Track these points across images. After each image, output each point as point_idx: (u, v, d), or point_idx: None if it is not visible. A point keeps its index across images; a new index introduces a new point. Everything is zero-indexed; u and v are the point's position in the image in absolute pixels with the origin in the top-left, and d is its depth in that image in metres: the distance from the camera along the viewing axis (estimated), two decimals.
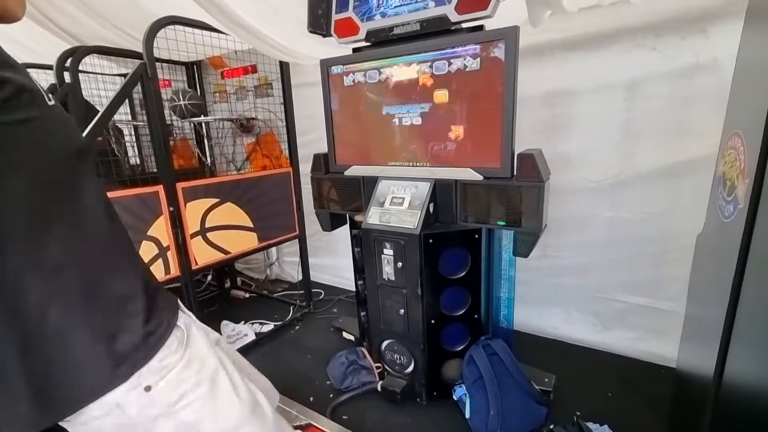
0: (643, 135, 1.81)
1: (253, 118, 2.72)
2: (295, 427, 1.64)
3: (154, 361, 0.67)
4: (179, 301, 0.81)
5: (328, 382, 1.94)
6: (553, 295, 2.19)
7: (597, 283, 2.05)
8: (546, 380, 1.78)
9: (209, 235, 2.08)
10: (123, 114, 2.87)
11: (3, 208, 0.54)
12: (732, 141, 0.98)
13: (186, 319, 0.78)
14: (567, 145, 1.97)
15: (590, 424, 1.55)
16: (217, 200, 2.10)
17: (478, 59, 1.44)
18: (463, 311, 1.70)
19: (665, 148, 1.77)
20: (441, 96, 1.54)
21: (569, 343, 2.15)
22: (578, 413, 1.64)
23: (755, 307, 0.81)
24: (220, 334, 1.86)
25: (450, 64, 1.50)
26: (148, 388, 0.66)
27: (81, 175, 0.64)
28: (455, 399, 1.71)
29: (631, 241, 1.92)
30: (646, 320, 1.95)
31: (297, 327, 2.54)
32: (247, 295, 3.06)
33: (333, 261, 3.00)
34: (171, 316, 0.74)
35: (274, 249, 3.20)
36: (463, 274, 1.66)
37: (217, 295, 3.10)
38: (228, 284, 3.19)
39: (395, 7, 1.54)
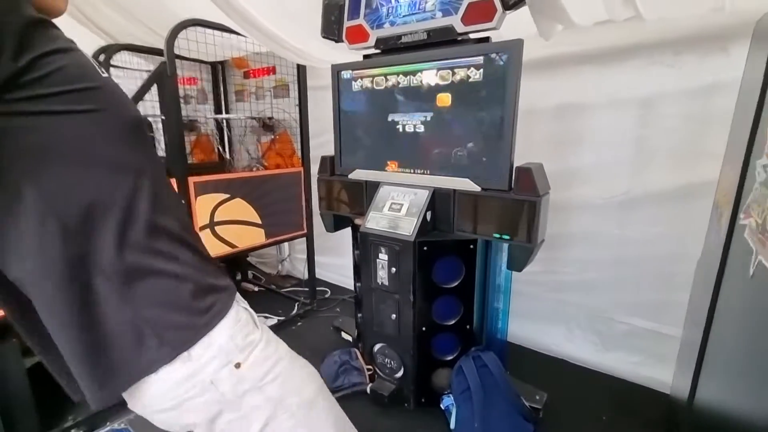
0: (657, 153, 1.75)
1: (271, 118, 2.80)
2: None
3: (239, 338, 0.69)
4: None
5: None
6: (554, 311, 2.14)
7: (601, 301, 2.00)
8: (537, 397, 1.74)
9: (217, 228, 2.17)
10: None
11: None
12: (725, 168, 0.95)
13: (244, 303, 0.79)
14: (577, 159, 1.93)
15: None
16: (227, 196, 2.18)
17: (482, 70, 1.45)
18: (454, 321, 1.70)
19: (678, 168, 1.71)
20: (443, 105, 1.55)
21: (567, 362, 2.10)
22: None
23: (722, 336, 0.78)
24: None
25: (454, 73, 1.50)
26: (238, 365, 0.68)
27: (146, 142, 0.67)
28: (442, 408, 1.71)
29: (638, 261, 1.86)
30: (649, 344, 1.88)
31: (299, 323, 2.60)
32: (257, 289, 3.14)
33: (342, 261, 3.03)
34: (231, 294, 0.74)
35: (286, 245, 3.27)
36: (456, 283, 1.65)
37: None
38: (239, 276, 3.28)
39: (404, 16, 1.57)
